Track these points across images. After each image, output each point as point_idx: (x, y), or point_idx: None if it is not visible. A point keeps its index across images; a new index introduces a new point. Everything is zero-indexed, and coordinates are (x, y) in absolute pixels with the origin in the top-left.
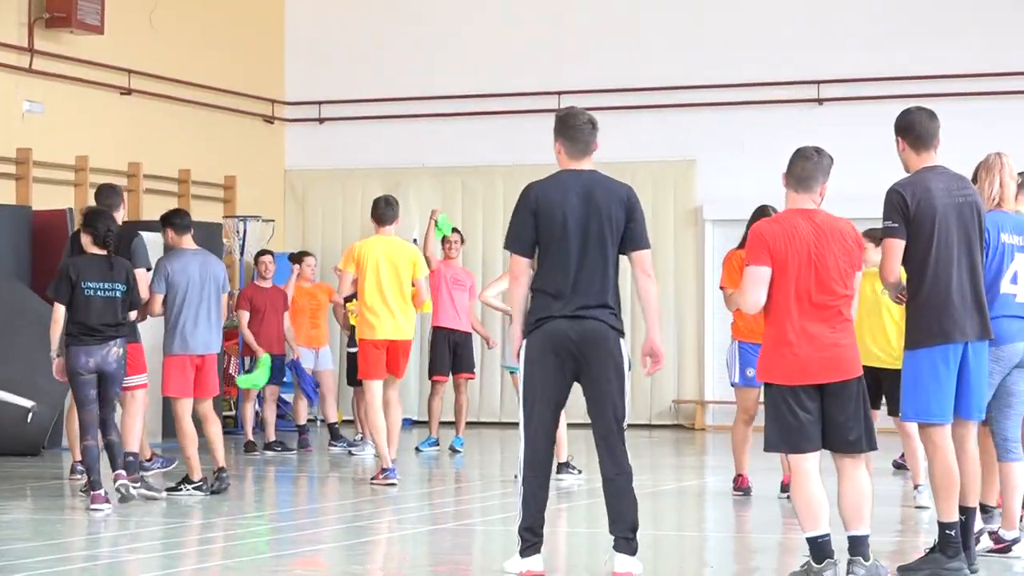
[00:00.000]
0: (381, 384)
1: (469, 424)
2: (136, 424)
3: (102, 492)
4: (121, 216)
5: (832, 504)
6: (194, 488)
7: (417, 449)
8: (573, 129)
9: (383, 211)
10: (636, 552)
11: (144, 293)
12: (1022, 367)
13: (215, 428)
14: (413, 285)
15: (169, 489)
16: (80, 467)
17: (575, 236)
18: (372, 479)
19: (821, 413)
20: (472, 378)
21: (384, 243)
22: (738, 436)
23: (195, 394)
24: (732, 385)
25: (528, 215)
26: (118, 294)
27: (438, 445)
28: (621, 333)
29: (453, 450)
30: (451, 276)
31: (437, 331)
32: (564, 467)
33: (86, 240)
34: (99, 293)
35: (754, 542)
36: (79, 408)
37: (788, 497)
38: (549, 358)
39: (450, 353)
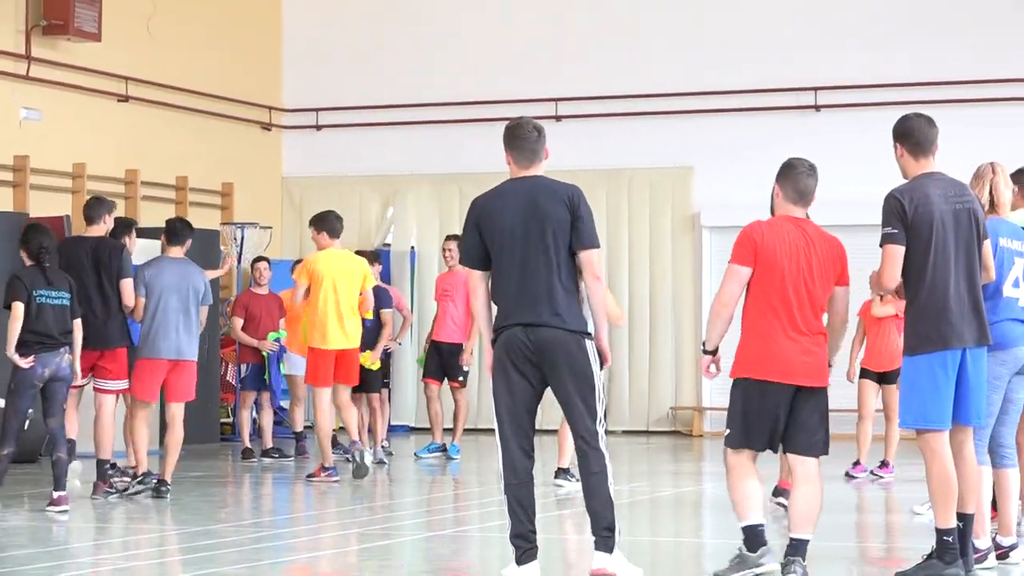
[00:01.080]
0: (329, 391)
1: (468, 431)
2: (112, 431)
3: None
4: (107, 227)
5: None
6: (136, 482)
7: (416, 456)
8: (518, 139)
9: (334, 225)
10: (613, 550)
11: (128, 301)
12: (1022, 374)
13: (174, 437)
14: (361, 295)
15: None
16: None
17: (516, 243)
18: (310, 476)
19: (787, 415)
20: (457, 387)
21: (337, 256)
22: None
23: (167, 398)
24: None
25: (472, 227)
26: (65, 302)
27: (443, 451)
28: (583, 334)
29: (449, 457)
30: (441, 287)
31: (429, 343)
32: (563, 473)
33: (23, 255)
34: (49, 301)
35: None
36: (11, 417)
37: (779, 503)
38: (509, 368)
39: (439, 360)
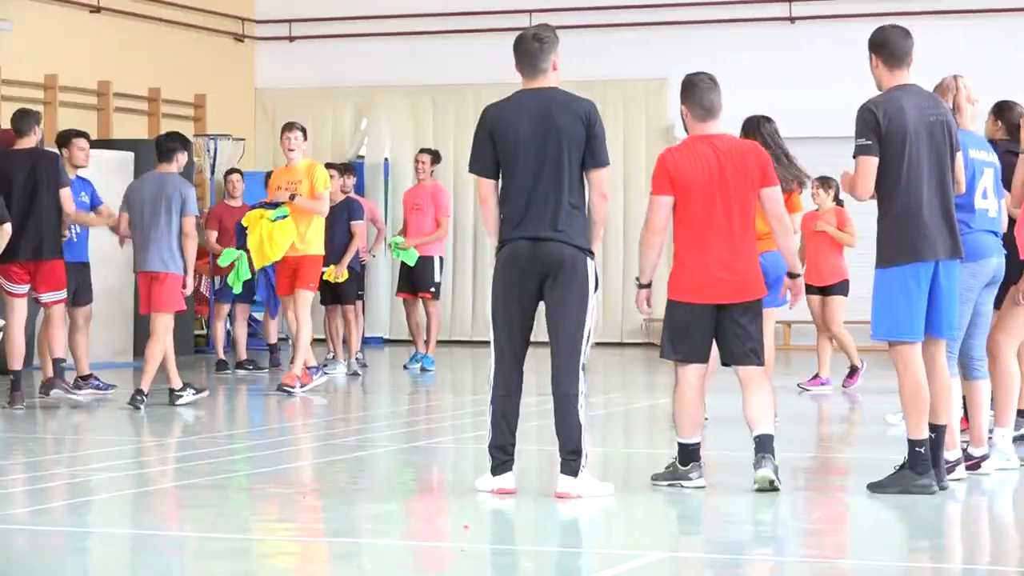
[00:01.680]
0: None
1: (442, 343)
2: (59, 334)
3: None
4: (36, 139)
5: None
6: (193, 393)
7: (405, 367)
8: (520, 51)
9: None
10: (578, 473)
11: (68, 208)
12: (991, 285)
13: (153, 348)
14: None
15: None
16: (55, 384)
17: (528, 156)
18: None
19: (715, 330)
20: (428, 297)
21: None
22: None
23: (143, 309)
24: None
25: (485, 136)
26: None
27: (424, 360)
28: (586, 252)
29: (424, 369)
30: (412, 201)
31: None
32: None
33: None
34: None
35: (719, 458)
36: None
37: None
38: (511, 281)
39: (408, 277)
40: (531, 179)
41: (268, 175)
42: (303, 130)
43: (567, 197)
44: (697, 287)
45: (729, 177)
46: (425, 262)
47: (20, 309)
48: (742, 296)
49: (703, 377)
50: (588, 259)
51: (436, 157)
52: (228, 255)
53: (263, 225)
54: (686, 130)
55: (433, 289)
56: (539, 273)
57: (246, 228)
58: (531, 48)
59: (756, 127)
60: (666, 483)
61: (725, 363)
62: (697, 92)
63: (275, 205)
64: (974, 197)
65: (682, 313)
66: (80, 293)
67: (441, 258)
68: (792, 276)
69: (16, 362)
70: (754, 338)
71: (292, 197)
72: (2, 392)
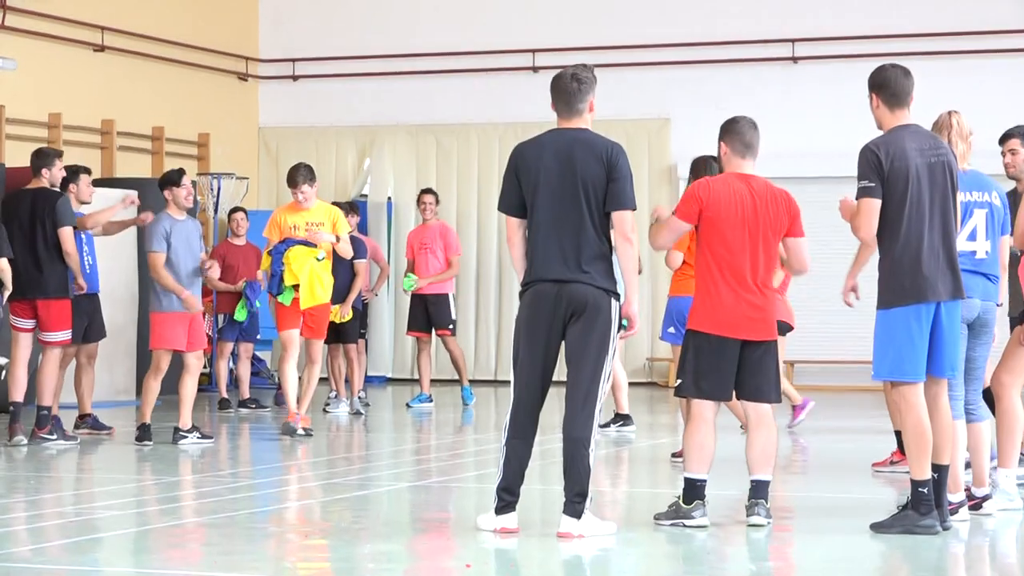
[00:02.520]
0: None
1: (437, 382)
2: (50, 379)
3: None
4: (48, 179)
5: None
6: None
7: (408, 405)
8: (557, 90)
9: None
10: (581, 516)
11: (68, 247)
12: (977, 330)
13: (186, 387)
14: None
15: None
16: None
17: (551, 196)
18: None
19: (738, 365)
20: (447, 334)
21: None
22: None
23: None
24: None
25: (511, 175)
26: None
27: (430, 401)
28: (611, 293)
29: (465, 403)
30: (418, 241)
31: (413, 296)
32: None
33: None
34: None
35: (718, 499)
36: None
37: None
38: (535, 322)
39: (424, 312)
40: (554, 219)
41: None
42: (311, 180)
43: (591, 238)
44: (721, 319)
45: (761, 218)
46: (441, 300)
47: (24, 344)
48: (762, 335)
49: (717, 414)
50: (613, 300)
51: (437, 199)
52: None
53: (312, 266)
54: (720, 169)
55: (451, 326)
56: (563, 315)
57: (282, 258)
58: (569, 88)
59: (704, 166)
60: (668, 522)
61: (740, 397)
62: (738, 128)
63: (309, 244)
64: (959, 237)
65: (705, 346)
66: (92, 328)
67: (453, 295)
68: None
69: (17, 395)
70: (771, 375)
71: (337, 239)
72: (3, 431)
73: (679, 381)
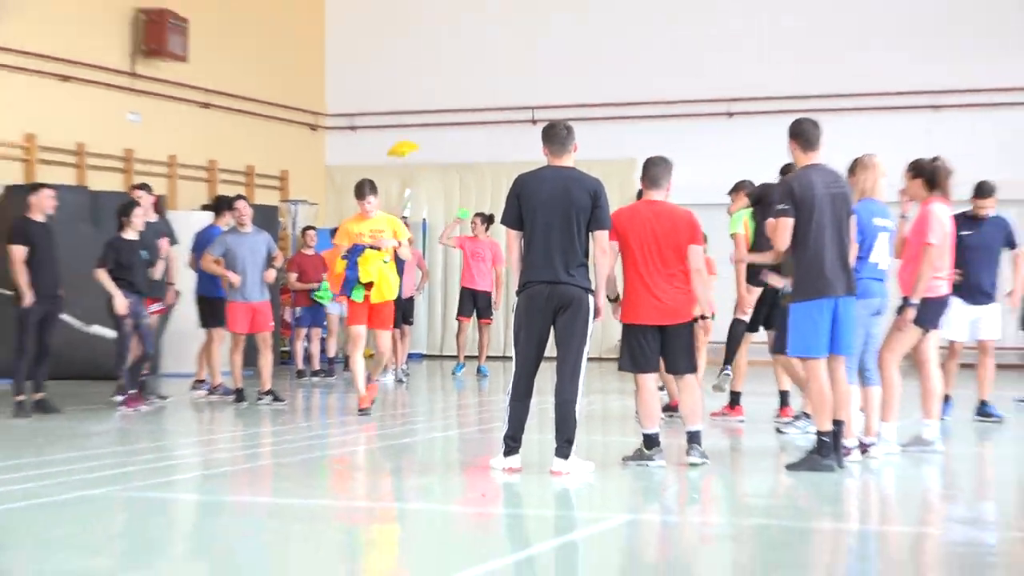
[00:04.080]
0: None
1: (489, 357)
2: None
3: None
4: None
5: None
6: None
7: (453, 374)
8: (550, 135)
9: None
10: (568, 456)
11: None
12: (877, 314)
13: (265, 357)
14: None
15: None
16: (202, 384)
17: (546, 218)
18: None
19: (660, 345)
20: (489, 323)
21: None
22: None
23: (250, 330)
24: None
25: (513, 197)
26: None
27: (464, 368)
28: (589, 291)
29: (481, 374)
30: (472, 250)
31: (463, 289)
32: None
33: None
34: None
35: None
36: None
37: (673, 415)
38: (532, 313)
39: (472, 304)
40: (548, 236)
41: (334, 229)
42: (375, 192)
43: (576, 251)
44: (639, 311)
45: (659, 232)
46: (488, 297)
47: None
48: (674, 319)
49: (656, 382)
50: (590, 296)
51: (491, 220)
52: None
53: (381, 268)
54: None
55: (492, 316)
56: (554, 308)
57: (356, 261)
58: (560, 134)
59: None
60: (635, 463)
61: (668, 371)
62: (649, 167)
63: (376, 248)
64: (869, 253)
65: (632, 332)
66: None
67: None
68: (703, 317)
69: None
70: (690, 352)
71: (398, 244)
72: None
73: (619, 359)
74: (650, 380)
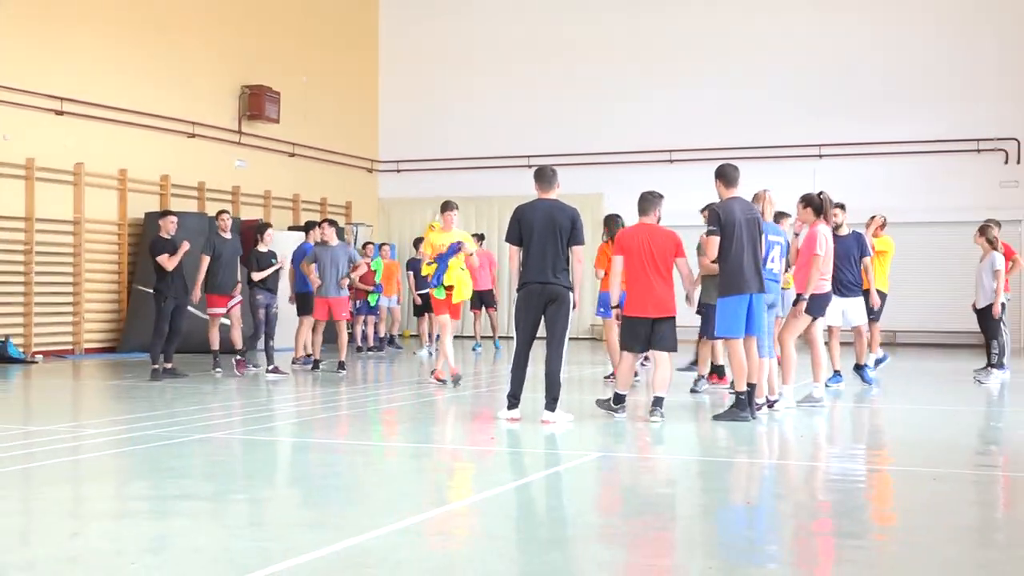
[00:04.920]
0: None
1: (502, 338)
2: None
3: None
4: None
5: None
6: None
7: (473, 349)
8: (540, 176)
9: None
10: (555, 410)
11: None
12: (771, 307)
13: (341, 338)
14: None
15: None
16: (302, 360)
17: (539, 237)
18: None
19: (649, 332)
20: (494, 312)
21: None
22: (611, 342)
23: (332, 317)
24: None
25: (515, 222)
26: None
27: (481, 347)
28: (570, 289)
29: (496, 349)
30: (484, 259)
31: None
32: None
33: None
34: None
35: (635, 403)
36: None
37: (611, 378)
38: (529, 305)
39: (479, 300)
40: (540, 249)
41: (419, 239)
42: (457, 208)
43: (561, 260)
44: (638, 306)
45: (654, 248)
46: (491, 292)
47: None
48: (662, 313)
49: (636, 356)
50: (571, 293)
51: (482, 237)
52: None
53: (459, 275)
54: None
55: (495, 306)
56: (545, 301)
57: (445, 268)
58: (548, 174)
59: (612, 220)
60: (604, 410)
61: (652, 348)
62: (641, 200)
63: (446, 256)
64: (766, 260)
65: (630, 323)
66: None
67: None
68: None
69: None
70: (672, 336)
71: (469, 253)
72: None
73: (620, 339)
74: (633, 357)
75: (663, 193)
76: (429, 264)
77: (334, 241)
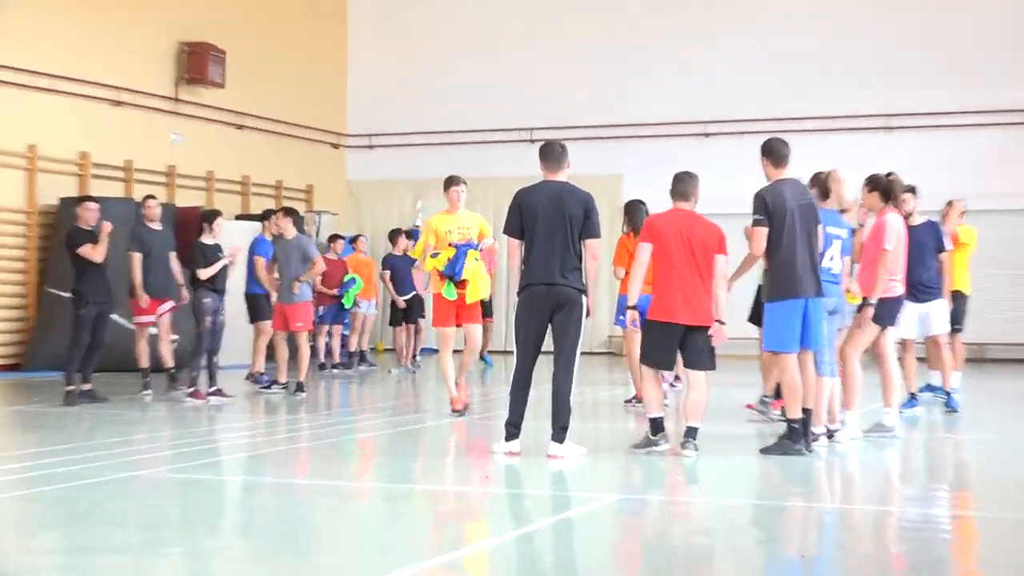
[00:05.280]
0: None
1: (491, 352)
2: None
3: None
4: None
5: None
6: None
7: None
8: (546, 154)
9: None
10: (564, 441)
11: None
12: (832, 314)
13: (301, 352)
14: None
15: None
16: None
17: (544, 227)
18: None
19: (681, 342)
20: (490, 322)
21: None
22: (633, 358)
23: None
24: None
25: (515, 209)
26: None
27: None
28: (583, 292)
29: (484, 363)
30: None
31: None
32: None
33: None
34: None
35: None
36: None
37: (638, 403)
38: (531, 312)
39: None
40: (547, 244)
41: (395, 231)
42: (464, 184)
43: (571, 257)
44: (667, 310)
45: (692, 239)
46: (489, 300)
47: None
48: (697, 321)
49: (661, 372)
50: (583, 297)
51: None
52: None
53: (475, 267)
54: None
55: (491, 316)
56: (551, 306)
57: (464, 262)
58: (556, 152)
59: (633, 208)
60: (644, 450)
61: (685, 366)
62: (676, 182)
63: (465, 248)
64: (823, 258)
65: (657, 330)
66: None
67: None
68: (718, 322)
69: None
70: (708, 351)
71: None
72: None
73: (641, 352)
74: (655, 373)
75: (698, 172)
76: (434, 256)
77: (291, 234)
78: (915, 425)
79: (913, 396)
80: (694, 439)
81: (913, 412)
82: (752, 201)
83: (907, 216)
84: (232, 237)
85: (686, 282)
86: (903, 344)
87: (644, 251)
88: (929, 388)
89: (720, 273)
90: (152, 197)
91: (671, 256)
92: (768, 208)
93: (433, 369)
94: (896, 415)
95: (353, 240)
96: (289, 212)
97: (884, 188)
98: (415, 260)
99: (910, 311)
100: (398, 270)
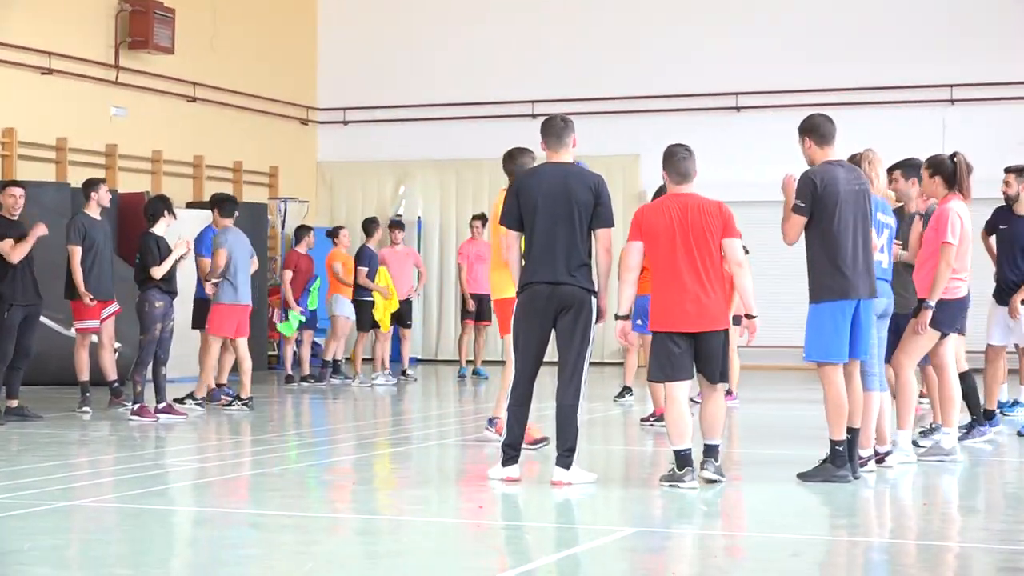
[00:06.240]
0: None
1: (485, 362)
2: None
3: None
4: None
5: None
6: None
7: (461, 376)
8: (548, 129)
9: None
10: (571, 467)
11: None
12: (882, 318)
13: (243, 363)
14: None
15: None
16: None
17: (546, 216)
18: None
19: (693, 352)
20: (488, 324)
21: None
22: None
23: (239, 335)
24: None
25: (513, 197)
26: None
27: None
28: (592, 292)
29: (479, 376)
30: (474, 253)
31: (471, 294)
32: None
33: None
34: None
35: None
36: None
37: (657, 422)
38: (532, 315)
39: (480, 307)
40: (549, 235)
41: (370, 220)
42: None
43: (578, 250)
44: (672, 318)
45: (691, 227)
46: (486, 298)
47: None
48: (709, 326)
49: (687, 391)
50: (592, 298)
51: (485, 219)
52: (293, 317)
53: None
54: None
55: (490, 318)
56: (555, 309)
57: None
58: (558, 126)
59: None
60: (668, 484)
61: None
62: (674, 160)
63: None
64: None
65: (663, 341)
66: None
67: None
68: (748, 316)
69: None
70: (723, 360)
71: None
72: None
73: (649, 368)
74: (681, 389)
75: (727, 152)
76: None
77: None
78: (996, 447)
79: (992, 414)
80: (715, 459)
81: (995, 432)
82: (798, 181)
83: (1011, 202)
84: (181, 227)
85: (689, 283)
86: (988, 352)
87: (634, 252)
88: (1019, 404)
89: (735, 260)
90: (102, 181)
91: (667, 254)
92: (816, 192)
93: (420, 382)
94: (955, 436)
95: (334, 233)
96: (224, 200)
97: (948, 172)
98: (413, 250)
99: (998, 316)
100: (390, 266)
